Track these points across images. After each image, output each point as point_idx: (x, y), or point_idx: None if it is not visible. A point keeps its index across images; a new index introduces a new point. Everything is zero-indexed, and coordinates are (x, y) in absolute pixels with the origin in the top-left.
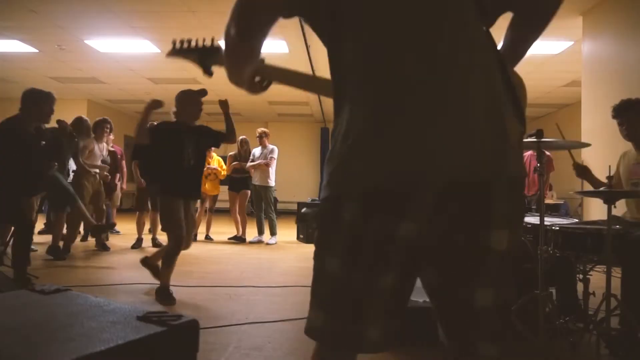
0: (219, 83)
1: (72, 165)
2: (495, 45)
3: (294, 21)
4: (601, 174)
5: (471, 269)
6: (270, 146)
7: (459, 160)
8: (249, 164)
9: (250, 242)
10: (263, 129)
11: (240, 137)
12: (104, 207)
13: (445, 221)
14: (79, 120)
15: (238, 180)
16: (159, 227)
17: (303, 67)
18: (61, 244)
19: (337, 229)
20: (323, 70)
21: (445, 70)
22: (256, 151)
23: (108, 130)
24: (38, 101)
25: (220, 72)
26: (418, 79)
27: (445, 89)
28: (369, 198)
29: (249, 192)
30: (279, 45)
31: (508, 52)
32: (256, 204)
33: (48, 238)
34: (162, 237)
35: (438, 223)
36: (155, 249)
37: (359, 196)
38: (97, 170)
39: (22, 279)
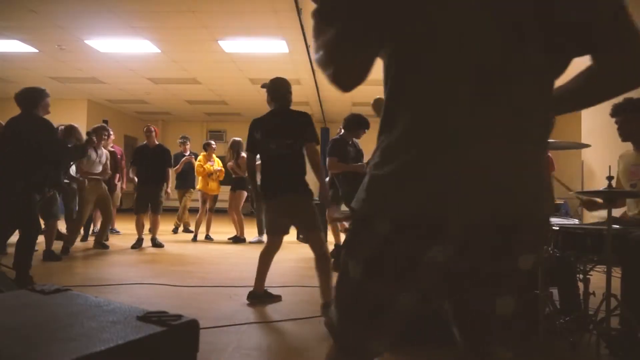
0: (218, 83)
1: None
2: (549, 95)
3: (294, 21)
4: (601, 174)
5: (494, 283)
6: None
7: (500, 202)
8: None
9: (251, 242)
10: None
11: (232, 140)
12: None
13: (479, 250)
14: (69, 129)
15: (235, 180)
16: (159, 227)
17: (303, 67)
18: (59, 247)
19: (370, 239)
20: None
21: (500, 115)
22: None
23: (106, 137)
24: (44, 96)
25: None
26: (474, 119)
27: (496, 134)
28: (408, 220)
29: (245, 192)
30: (279, 45)
31: (569, 90)
32: (257, 204)
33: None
34: (162, 237)
35: (470, 252)
36: (155, 249)
37: (399, 217)
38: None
39: (23, 280)
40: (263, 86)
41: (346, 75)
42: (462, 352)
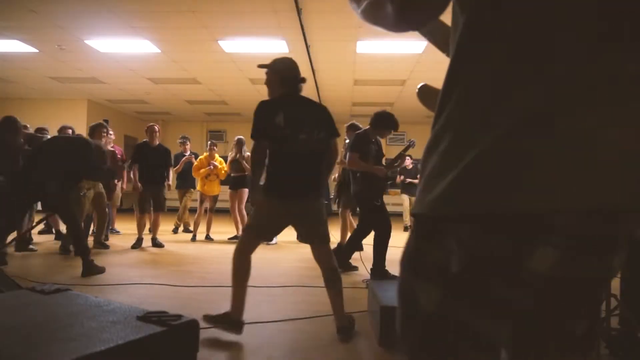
0: (218, 83)
1: None
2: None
3: (294, 21)
4: None
5: (579, 301)
6: None
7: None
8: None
9: None
10: None
11: (236, 137)
12: (107, 209)
13: (585, 253)
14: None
15: (237, 178)
16: (159, 227)
17: (303, 67)
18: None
19: (451, 251)
20: (323, 70)
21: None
22: None
23: (105, 134)
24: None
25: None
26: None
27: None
28: (501, 222)
29: (247, 190)
30: (279, 45)
31: None
32: (255, 199)
33: (48, 238)
34: (162, 237)
35: (579, 256)
36: (155, 249)
37: (486, 217)
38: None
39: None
40: (264, 66)
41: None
42: None
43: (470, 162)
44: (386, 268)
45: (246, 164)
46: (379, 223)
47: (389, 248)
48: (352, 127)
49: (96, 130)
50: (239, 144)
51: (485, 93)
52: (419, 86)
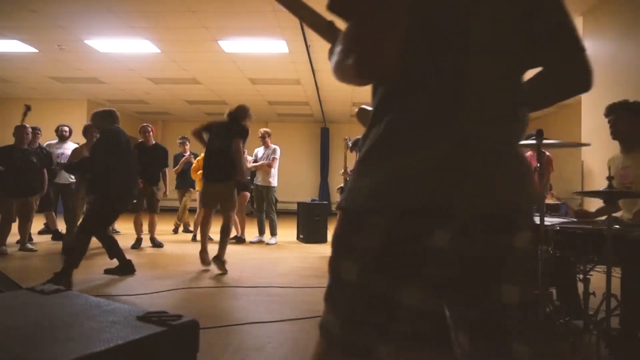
0: (218, 83)
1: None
2: (522, 90)
3: (294, 21)
4: (601, 174)
5: (496, 266)
6: (273, 146)
7: (492, 194)
8: (252, 164)
9: (251, 242)
10: (265, 129)
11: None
12: None
13: (475, 235)
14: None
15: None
16: (157, 227)
17: (303, 67)
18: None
19: (367, 234)
20: (323, 70)
21: (493, 117)
22: (259, 151)
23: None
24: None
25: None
26: (473, 119)
27: (481, 134)
28: (406, 213)
29: (248, 193)
30: (279, 45)
31: (528, 92)
32: (258, 204)
33: (48, 238)
34: (162, 237)
35: (467, 238)
36: (155, 249)
37: (394, 210)
38: None
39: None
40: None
41: (372, 56)
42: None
43: (388, 169)
44: None
45: (246, 164)
46: None
47: None
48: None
49: (88, 131)
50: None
51: (402, 124)
52: (357, 109)
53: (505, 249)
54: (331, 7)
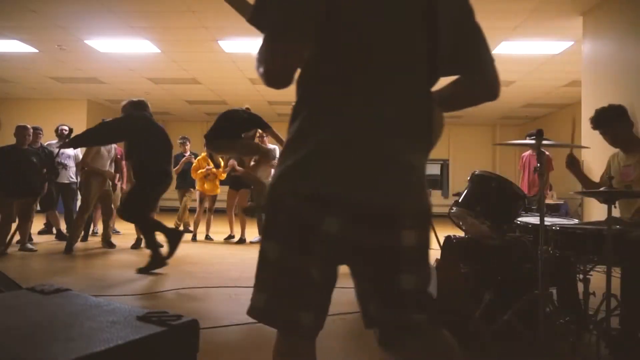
0: (218, 83)
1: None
2: (430, 97)
3: None
4: (601, 174)
5: (394, 259)
6: (271, 146)
7: (378, 190)
8: (252, 163)
9: (251, 242)
10: None
11: None
12: (112, 207)
13: (364, 226)
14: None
15: (239, 178)
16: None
17: None
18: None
19: (280, 219)
20: None
21: (391, 120)
22: None
23: None
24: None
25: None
26: (366, 120)
27: (382, 134)
28: (306, 197)
29: (248, 190)
30: None
31: (443, 98)
32: (257, 203)
33: (48, 238)
34: (162, 237)
35: (357, 227)
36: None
37: (298, 195)
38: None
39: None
40: None
41: (273, 75)
42: (376, 319)
43: (292, 161)
44: None
45: (247, 162)
46: None
47: None
48: None
49: None
50: None
51: (317, 117)
52: None
53: (394, 244)
54: (250, 21)
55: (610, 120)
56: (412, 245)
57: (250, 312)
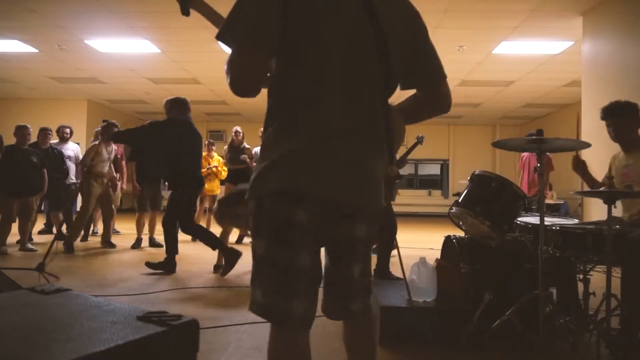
0: (218, 83)
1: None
2: (388, 108)
3: None
4: (601, 174)
5: (348, 251)
6: None
7: (343, 190)
8: (254, 163)
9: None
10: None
11: (235, 128)
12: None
13: (329, 219)
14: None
15: (239, 172)
16: (156, 226)
17: None
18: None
19: (262, 216)
20: None
21: (357, 129)
22: (258, 150)
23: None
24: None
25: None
26: (338, 127)
27: (352, 144)
28: (280, 193)
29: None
30: None
31: (405, 110)
32: None
33: (48, 238)
34: (161, 238)
35: (325, 220)
36: (155, 249)
37: (276, 193)
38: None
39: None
40: None
41: (239, 84)
42: (328, 308)
43: (273, 162)
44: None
45: (246, 157)
46: (383, 221)
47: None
48: None
49: (107, 129)
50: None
51: (294, 118)
52: None
53: (350, 237)
54: (217, 38)
55: (619, 111)
56: (363, 235)
57: (251, 307)
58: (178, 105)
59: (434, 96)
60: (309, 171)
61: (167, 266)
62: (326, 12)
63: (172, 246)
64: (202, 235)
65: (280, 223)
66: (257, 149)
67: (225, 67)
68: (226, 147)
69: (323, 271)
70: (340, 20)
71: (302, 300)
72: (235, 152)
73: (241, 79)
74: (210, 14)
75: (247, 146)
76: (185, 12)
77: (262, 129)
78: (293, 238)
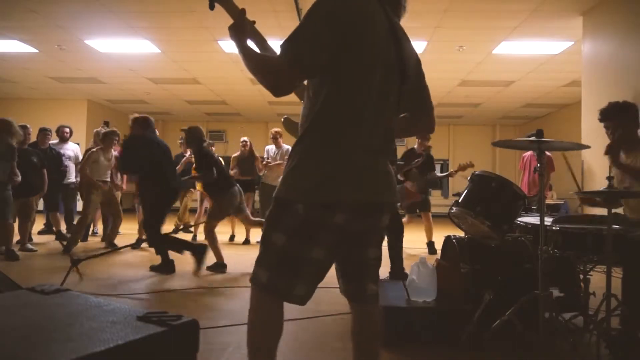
0: (218, 83)
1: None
2: (394, 126)
3: (294, 21)
4: (601, 174)
5: (371, 237)
6: (286, 146)
7: (378, 193)
8: (265, 162)
9: (258, 242)
10: (277, 129)
11: (242, 139)
12: (120, 210)
13: (361, 217)
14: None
15: (244, 182)
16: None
17: None
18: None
19: (290, 216)
20: None
21: (381, 143)
22: (270, 150)
23: (117, 142)
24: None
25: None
26: (372, 144)
27: (378, 154)
28: (326, 207)
29: (251, 194)
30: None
31: (399, 128)
32: (264, 203)
33: (48, 238)
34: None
35: (358, 218)
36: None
37: (317, 204)
38: (107, 179)
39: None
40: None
41: (277, 88)
42: (344, 293)
43: (307, 176)
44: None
45: (259, 165)
46: (391, 226)
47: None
48: None
49: (108, 137)
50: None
51: (340, 133)
52: (283, 119)
53: (375, 226)
54: (281, 46)
55: (617, 113)
56: (384, 225)
57: (252, 281)
58: (145, 126)
59: (429, 122)
60: (351, 183)
61: (164, 268)
62: (372, 39)
63: (161, 248)
64: (165, 245)
65: (312, 227)
66: (269, 148)
67: (262, 62)
68: (234, 157)
69: (340, 264)
70: (380, 48)
71: (307, 286)
72: (244, 164)
73: (280, 87)
74: (235, 12)
75: (257, 155)
76: (211, 6)
77: (274, 129)
78: (323, 237)
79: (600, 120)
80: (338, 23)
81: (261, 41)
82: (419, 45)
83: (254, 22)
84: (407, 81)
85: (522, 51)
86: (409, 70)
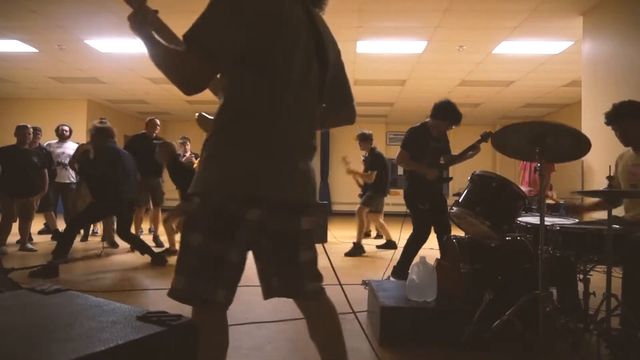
0: None
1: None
2: (315, 120)
3: None
4: (601, 174)
5: (295, 239)
6: None
7: (292, 190)
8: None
9: None
10: None
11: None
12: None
13: (279, 214)
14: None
15: None
16: (160, 225)
17: None
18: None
19: (206, 213)
20: None
21: (301, 138)
22: None
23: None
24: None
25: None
26: (293, 138)
27: (296, 149)
28: (233, 196)
29: None
30: None
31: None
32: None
33: (48, 238)
34: (162, 237)
35: (274, 215)
36: (155, 248)
37: (232, 195)
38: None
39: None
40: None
41: (187, 84)
42: (279, 289)
43: (220, 168)
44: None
45: None
46: (419, 226)
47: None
48: (361, 137)
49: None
50: None
51: (255, 126)
52: (196, 115)
53: (297, 228)
54: (184, 37)
55: (624, 117)
56: (308, 227)
57: (171, 293)
58: (106, 136)
59: (349, 114)
60: (268, 176)
61: (155, 261)
62: (285, 27)
63: (139, 243)
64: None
65: (225, 222)
66: None
67: (165, 58)
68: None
69: (262, 263)
70: (295, 35)
71: (226, 289)
72: None
73: (189, 81)
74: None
75: None
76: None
77: (214, 120)
78: (237, 234)
79: (607, 123)
80: (242, 9)
81: (167, 34)
82: (419, 45)
83: (156, 11)
84: (327, 71)
85: (522, 51)
86: (329, 59)
